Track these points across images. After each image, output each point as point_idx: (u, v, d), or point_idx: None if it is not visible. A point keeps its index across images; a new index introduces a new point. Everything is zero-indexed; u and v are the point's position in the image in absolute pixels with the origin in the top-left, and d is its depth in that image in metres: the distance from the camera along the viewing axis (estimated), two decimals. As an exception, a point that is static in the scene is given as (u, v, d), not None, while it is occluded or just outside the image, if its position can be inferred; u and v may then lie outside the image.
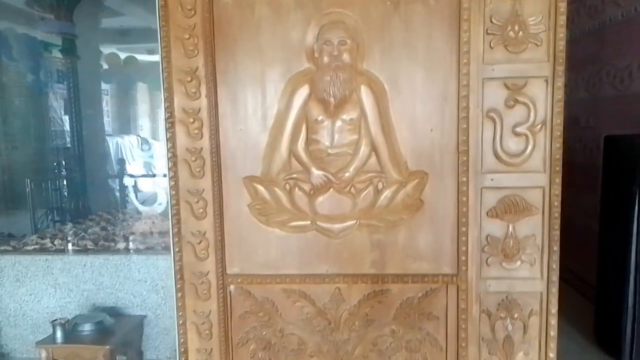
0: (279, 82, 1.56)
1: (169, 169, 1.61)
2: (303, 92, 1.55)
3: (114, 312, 2.82)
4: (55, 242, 3.05)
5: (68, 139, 5.96)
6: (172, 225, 1.63)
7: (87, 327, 2.57)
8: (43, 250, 2.98)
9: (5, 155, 8.57)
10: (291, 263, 1.62)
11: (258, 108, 1.58)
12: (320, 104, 1.55)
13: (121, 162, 6.01)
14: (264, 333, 1.66)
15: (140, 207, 3.50)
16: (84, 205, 5.68)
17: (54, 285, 2.88)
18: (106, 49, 6.46)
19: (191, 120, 1.57)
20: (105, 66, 6.09)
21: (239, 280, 1.64)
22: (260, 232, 1.62)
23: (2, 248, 2.99)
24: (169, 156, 1.60)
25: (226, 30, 1.55)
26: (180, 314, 1.65)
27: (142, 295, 2.85)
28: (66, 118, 5.92)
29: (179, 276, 1.64)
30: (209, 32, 1.54)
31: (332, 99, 1.54)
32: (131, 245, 3.04)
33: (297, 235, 1.61)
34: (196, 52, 1.55)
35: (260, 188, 1.60)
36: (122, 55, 6.73)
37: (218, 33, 1.55)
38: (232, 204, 1.61)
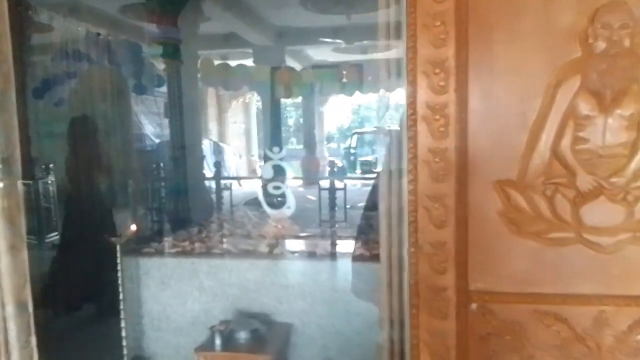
0: (542, 73, 1.37)
1: (409, 171, 1.45)
2: (572, 83, 1.35)
3: (261, 319, 2.72)
4: (196, 245, 3.01)
5: (167, 142, 6.03)
6: (408, 234, 1.47)
7: (243, 335, 2.48)
8: (184, 253, 2.94)
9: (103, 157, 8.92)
10: (546, 280, 1.43)
11: (515, 103, 1.39)
12: (593, 97, 1.34)
13: (217, 164, 6.02)
14: (508, 359, 1.47)
15: (269, 211, 3.40)
16: (183, 207, 5.72)
17: (199, 288, 2.82)
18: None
19: (436, 117, 1.41)
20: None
21: (483, 297, 1.46)
22: (510, 244, 1.43)
23: (146, 250, 2.97)
24: (409, 157, 1.44)
25: (483, 16, 1.38)
26: (414, 333, 1.49)
27: (289, 301, 2.74)
28: (166, 122, 5.99)
29: (414, 291, 1.48)
30: (463, 19, 1.38)
31: (607, 91, 1.33)
32: (267, 249, 2.94)
33: (556, 248, 1.41)
34: (446, 41, 1.39)
35: (514, 193, 1.41)
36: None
37: (473, 19, 1.38)
38: (479, 211, 1.44)
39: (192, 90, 5.86)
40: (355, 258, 2.71)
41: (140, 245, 3.09)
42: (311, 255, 2.81)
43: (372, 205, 4.35)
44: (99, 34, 6.27)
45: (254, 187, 6.61)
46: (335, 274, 2.69)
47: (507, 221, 1.42)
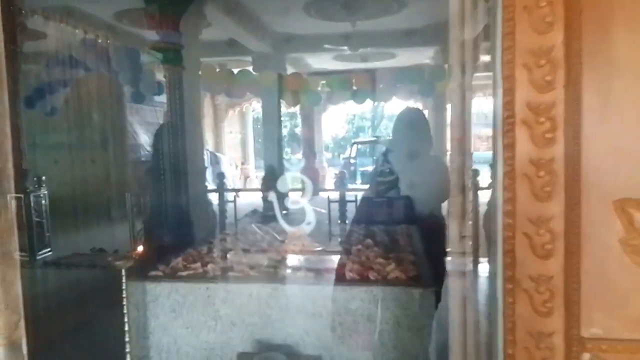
0: (678, 65, 1.10)
1: (505, 188, 1.16)
2: None
3: (285, 351, 2.41)
4: (209, 267, 2.70)
5: (166, 152, 5.73)
6: (503, 266, 1.18)
7: (268, 372, 2.17)
8: (196, 276, 2.62)
9: (91, 169, 8.58)
10: (681, 324, 1.14)
11: (642, 102, 1.12)
12: None
13: (220, 176, 5.71)
14: (630, 422, 1.18)
15: (288, 227, 3.11)
16: (187, 222, 5.40)
17: (214, 317, 2.50)
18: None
19: (540, 119, 1.13)
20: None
21: (600, 346, 1.17)
22: (635, 278, 1.15)
23: (153, 274, 2.66)
24: (505, 170, 1.16)
25: (600, -6, 1.11)
26: (510, 388, 1.19)
27: (316, 331, 2.44)
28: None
29: (509, 338, 1.19)
30: (575, -3, 1.11)
31: None
32: (289, 271, 2.63)
33: (694, 284, 1.13)
34: (553, 25, 1.11)
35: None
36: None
37: (588, -2, 1.11)
38: (595, 237, 1.15)
39: (194, 98, 5.57)
40: (391, 282, 2.42)
41: (145, 267, 2.77)
42: (340, 278, 2.50)
43: (399, 220, 4.07)
44: (97, 38, 5.99)
45: (251, 198, 6.34)
46: (369, 300, 2.39)
47: (631, 250, 1.14)
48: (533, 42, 1.12)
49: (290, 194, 3.32)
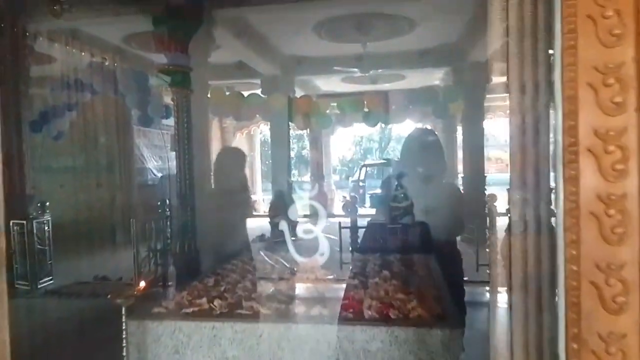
0: None
1: (567, 229, 0.98)
2: None
3: (298, 400, 2.20)
4: (215, 303, 2.51)
5: (174, 176, 5.59)
6: (566, 322, 0.99)
7: None
8: (202, 314, 2.43)
9: (97, 193, 8.46)
10: None
11: None
12: None
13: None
14: None
15: (299, 258, 2.91)
16: (190, 248, 5.22)
17: (221, 359, 2.30)
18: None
19: (610, 148, 0.95)
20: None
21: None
22: None
23: (156, 310, 2.47)
24: (568, 208, 0.98)
25: (679, 0, 0.94)
26: None
27: (332, 377, 2.22)
28: (173, 155, 5.56)
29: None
30: (649, 5, 0.94)
31: None
32: (302, 308, 2.43)
33: None
34: (622, 38, 0.94)
35: None
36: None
37: (664, 5, 0.95)
38: (679, 289, 0.96)
39: (202, 121, 5.46)
40: (413, 322, 2.21)
41: (147, 302, 2.59)
42: (359, 316, 2.30)
43: (415, 249, 3.86)
44: (104, 61, 5.93)
45: (257, 222, 6.15)
46: (390, 342, 2.18)
47: None
48: (599, 58, 0.95)
49: (301, 221, 3.12)
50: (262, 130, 16.39)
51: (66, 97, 5.59)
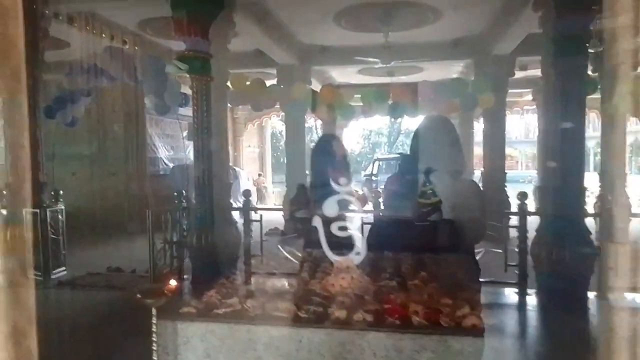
0: None
1: None
2: None
3: (339, 412, 2.03)
4: (249, 304, 2.33)
5: (185, 166, 5.42)
6: None
7: None
8: (235, 315, 2.26)
9: (101, 183, 8.31)
10: None
11: None
12: None
13: (247, 193, 5.37)
14: None
15: (332, 257, 2.73)
16: (207, 241, 5.05)
17: (256, 366, 2.14)
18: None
19: None
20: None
21: None
22: None
23: (185, 311, 2.30)
24: None
25: None
26: None
27: (377, 388, 2.05)
28: (185, 144, 5.37)
29: None
30: None
31: None
32: (343, 312, 2.25)
33: None
34: None
35: None
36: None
37: None
38: None
39: (220, 110, 5.26)
40: (469, 332, 2.03)
41: (173, 301, 2.42)
42: (405, 322, 2.12)
43: (446, 247, 3.67)
44: (122, 45, 5.75)
45: (267, 215, 5.95)
46: (443, 352, 2.00)
47: None
48: None
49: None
50: (273, 121, 16.21)
51: (81, 83, 5.41)
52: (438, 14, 6.56)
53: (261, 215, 5.31)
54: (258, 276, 3.87)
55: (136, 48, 5.69)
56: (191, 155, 11.94)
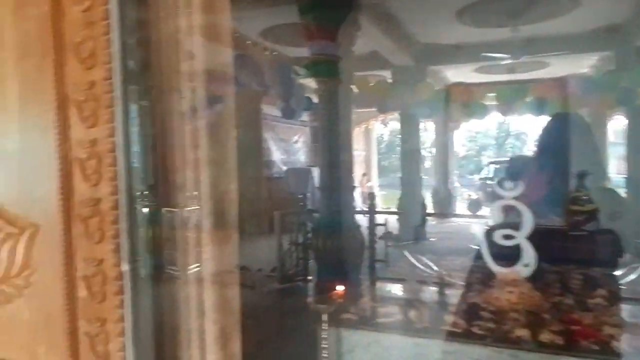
0: None
1: None
2: None
3: None
4: (412, 315, 2.20)
5: (300, 170, 5.47)
6: None
7: None
8: (398, 326, 2.14)
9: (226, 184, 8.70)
10: None
11: None
12: None
13: (372, 196, 5.28)
14: None
15: (496, 268, 2.52)
16: (333, 243, 5.03)
17: (428, 383, 2.00)
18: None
19: None
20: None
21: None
22: None
23: (347, 317, 2.24)
24: None
25: None
26: None
27: None
28: (292, 148, 5.41)
29: None
30: None
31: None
32: (525, 332, 2.02)
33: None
34: None
35: None
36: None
37: None
38: None
39: (346, 113, 5.23)
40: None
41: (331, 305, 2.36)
42: (604, 347, 1.85)
43: (611, 262, 3.28)
44: (250, 52, 5.98)
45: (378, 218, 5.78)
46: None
47: None
48: None
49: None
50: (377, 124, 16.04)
51: (214, 90, 5.68)
52: (575, 1, 5.97)
53: (386, 220, 5.20)
54: (390, 282, 3.74)
55: (266, 53, 5.85)
56: (302, 158, 12.15)
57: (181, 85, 1.27)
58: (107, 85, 1.11)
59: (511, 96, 4.62)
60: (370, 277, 5.00)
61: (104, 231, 1.14)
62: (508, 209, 2.66)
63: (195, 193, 1.38)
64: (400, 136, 8.78)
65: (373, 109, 7.06)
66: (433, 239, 7.14)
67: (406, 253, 5.59)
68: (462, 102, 4.54)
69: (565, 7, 6.09)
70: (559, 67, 9.57)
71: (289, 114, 5.46)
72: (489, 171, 12.31)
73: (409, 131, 7.86)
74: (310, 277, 5.37)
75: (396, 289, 3.04)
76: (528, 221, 2.43)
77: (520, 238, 2.45)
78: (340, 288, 2.11)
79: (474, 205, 11.04)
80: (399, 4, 6.14)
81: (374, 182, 15.64)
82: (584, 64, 9.49)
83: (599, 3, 6.01)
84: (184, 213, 1.33)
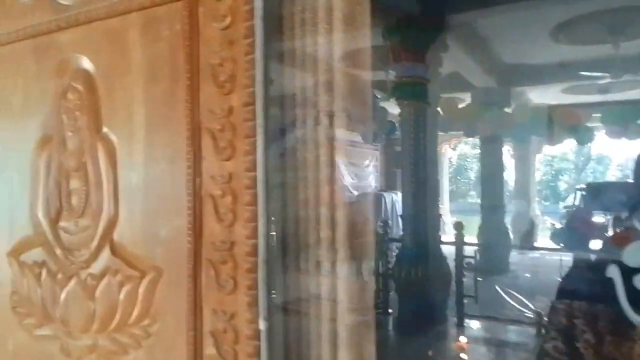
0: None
1: None
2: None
3: None
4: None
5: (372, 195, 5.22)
6: None
7: None
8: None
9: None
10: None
11: None
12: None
13: (459, 225, 4.93)
14: None
15: (636, 318, 2.15)
16: (417, 274, 4.71)
17: None
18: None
19: None
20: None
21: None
22: None
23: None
24: None
25: None
26: None
27: None
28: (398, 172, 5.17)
29: None
30: None
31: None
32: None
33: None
34: None
35: None
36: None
37: None
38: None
39: (432, 137, 4.96)
40: None
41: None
42: None
43: None
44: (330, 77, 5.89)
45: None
46: None
47: None
48: None
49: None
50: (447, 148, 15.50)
51: (293, 116, 5.63)
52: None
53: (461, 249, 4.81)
54: (487, 321, 3.40)
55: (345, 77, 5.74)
56: (374, 183, 11.86)
57: (320, 113, 1.11)
58: (247, 112, 0.96)
59: (618, 118, 4.17)
60: (459, 313, 4.63)
61: (237, 280, 0.98)
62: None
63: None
64: (472, 159, 8.32)
65: (459, 132, 6.73)
66: (520, 273, 6.60)
67: (497, 288, 5.19)
68: (570, 125, 4.15)
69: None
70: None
71: (369, 138, 5.28)
72: (575, 198, 11.41)
73: (492, 155, 7.41)
74: (390, 310, 5.08)
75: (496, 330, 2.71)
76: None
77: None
78: (462, 340, 1.85)
79: (561, 236, 10.23)
80: (487, 25, 5.85)
81: (446, 208, 15.05)
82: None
83: None
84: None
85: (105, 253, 1.13)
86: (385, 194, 10.82)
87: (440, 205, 14.08)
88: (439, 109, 5.13)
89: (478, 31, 6.07)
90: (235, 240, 0.98)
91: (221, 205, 0.99)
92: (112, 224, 1.12)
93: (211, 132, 1.00)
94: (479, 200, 9.09)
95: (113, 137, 1.11)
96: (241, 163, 0.97)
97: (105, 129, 1.13)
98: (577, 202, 11.14)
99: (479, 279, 4.86)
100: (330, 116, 1.15)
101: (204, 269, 1.02)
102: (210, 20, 0.99)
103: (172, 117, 1.04)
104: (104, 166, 1.12)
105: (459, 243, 4.84)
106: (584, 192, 11.64)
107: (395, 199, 10.47)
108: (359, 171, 11.16)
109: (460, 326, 4.52)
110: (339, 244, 1.12)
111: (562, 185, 27.67)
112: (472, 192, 25.26)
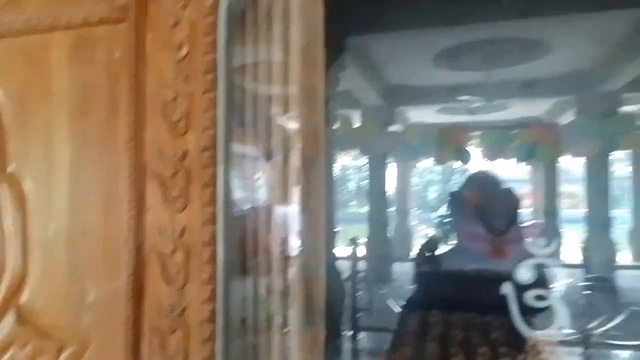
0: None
1: None
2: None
3: None
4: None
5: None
6: None
7: None
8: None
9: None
10: None
11: None
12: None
13: (353, 241, 5.04)
14: None
15: (530, 331, 2.33)
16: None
17: None
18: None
19: None
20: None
21: None
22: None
23: None
24: None
25: None
26: None
27: None
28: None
29: None
30: None
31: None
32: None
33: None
34: None
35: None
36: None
37: None
38: None
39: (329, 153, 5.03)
40: None
41: None
42: None
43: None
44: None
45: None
46: None
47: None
48: None
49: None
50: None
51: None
52: (546, 48, 6.24)
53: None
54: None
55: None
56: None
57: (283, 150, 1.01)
58: (206, 157, 0.83)
59: (496, 141, 4.63)
60: (354, 327, 4.72)
61: (190, 352, 0.84)
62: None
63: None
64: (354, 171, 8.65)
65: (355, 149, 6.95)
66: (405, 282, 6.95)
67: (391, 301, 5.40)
68: (456, 145, 4.49)
69: (536, 54, 6.33)
70: (514, 110, 9.96)
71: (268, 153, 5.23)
72: (445, 208, 12.42)
73: (376, 175, 7.75)
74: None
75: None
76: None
77: (553, 299, 2.30)
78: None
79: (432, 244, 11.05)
80: (379, 48, 6.15)
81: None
82: (537, 109, 9.93)
83: (566, 50, 6.31)
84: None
85: (9, 319, 0.91)
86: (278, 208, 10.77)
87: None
88: (335, 126, 5.23)
89: (371, 54, 6.37)
90: (186, 305, 0.85)
91: (170, 263, 0.85)
92: (18, 284, 0.91)
93: (160, 177, 0.85)
94: (359, 210, 9.43)
95: (24, 178, 0.90)
96: (197, 215, 0.84)
97: (12, 168, 0.91)
98: (444, 213, 12.12)
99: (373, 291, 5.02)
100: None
101: (147, 339, 0.86)
102: (161, 48, 0.85)
103: (107, 157, 0.87)
104: (10, 213, 0.91)
105: (354, 258, 4.96)
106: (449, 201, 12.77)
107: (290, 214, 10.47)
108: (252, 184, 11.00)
109: (355, 340, 4.63)
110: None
111: (432, 195, 30.05)
112: (353, 202, 26.41)
